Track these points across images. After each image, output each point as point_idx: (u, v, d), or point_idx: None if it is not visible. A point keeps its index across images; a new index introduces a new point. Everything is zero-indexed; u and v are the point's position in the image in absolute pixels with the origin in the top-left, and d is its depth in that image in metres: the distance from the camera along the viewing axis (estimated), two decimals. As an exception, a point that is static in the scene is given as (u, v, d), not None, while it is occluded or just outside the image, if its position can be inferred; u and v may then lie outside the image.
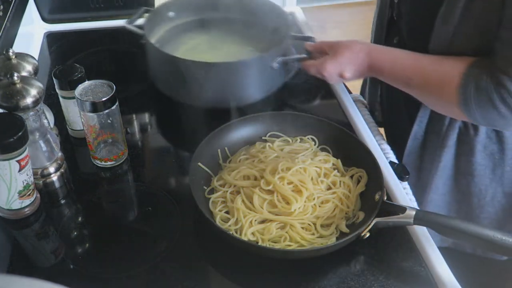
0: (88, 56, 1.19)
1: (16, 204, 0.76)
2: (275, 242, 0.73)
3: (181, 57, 0.96)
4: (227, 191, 0.78)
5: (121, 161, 0.88)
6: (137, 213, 0.83)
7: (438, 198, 0.94)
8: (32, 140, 0.76)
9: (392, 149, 0.95)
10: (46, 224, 0.79)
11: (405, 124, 0.96)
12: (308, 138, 0.88)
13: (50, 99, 0.97)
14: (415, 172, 0.95)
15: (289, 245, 0.72)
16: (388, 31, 1.01)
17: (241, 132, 0.88)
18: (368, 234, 0.72)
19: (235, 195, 0.77)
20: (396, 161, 0.91)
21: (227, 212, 0.76)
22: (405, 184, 0.87)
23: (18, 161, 0.71)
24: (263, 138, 0.88)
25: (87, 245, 0.76)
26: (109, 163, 0.87)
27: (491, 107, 0.74)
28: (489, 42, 0.75)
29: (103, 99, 0.79)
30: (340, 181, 0.80)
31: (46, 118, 0.85)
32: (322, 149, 0.87)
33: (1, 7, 0.98)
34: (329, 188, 0.79)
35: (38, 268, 0.73)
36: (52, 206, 0.81)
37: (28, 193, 0.76)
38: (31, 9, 1.20)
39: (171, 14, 1.12)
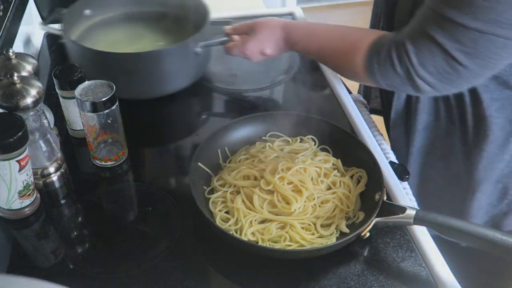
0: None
1: (16, 204, 0.76)
2: (275, 242, 0.73)
3: (103, 50, 0.97)
4: (227, 191, 0.78)
5: (121, 161, 0.88)
6: (137, 213, 0.83)
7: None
8: (32, 140, 0.76)
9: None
10: (46, 224, 0.79)
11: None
12: (308, 138, 0.88)
13: (50, 99, 0.97)
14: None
15: (289, 245, 0.72)
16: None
17: (241, 132, 0.88)
18: (368, 234, 0.72)
19: (235, 195, 0.77)
20: (396, 161, 0.91)
21: (227, 212, 0.76)
22: (405, 184, 0.87)
23: (18, 161, 0.71)
24: (263, 138, 0.88)
25: (87, 245, 0.76)
26: (109, 163, 0.87)
27: (389, 65, 0.76)
28: None
29: (103, 99, 0.79)
30: (340, 181, 0.80)
31: (46, 118, 0.85)
32: (322, 149, 0.87)
33: (1, 7, 0.98)
34: (329, 188, 0.79)
35: (38, 268, 0.73)
36: (52, 206, 0.81)
37: (28, 193, 0.76)
38: (31, 9, 1.20)
39: (87, 12, 1.12)
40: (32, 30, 1.24)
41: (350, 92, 1.06)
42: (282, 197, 0.76)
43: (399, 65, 0.75)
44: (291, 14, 1.33)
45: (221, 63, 1.15)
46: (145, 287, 0.70)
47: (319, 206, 0.76)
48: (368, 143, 0.90)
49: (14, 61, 0.83)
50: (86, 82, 0.83)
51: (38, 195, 0.80)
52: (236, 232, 0.73)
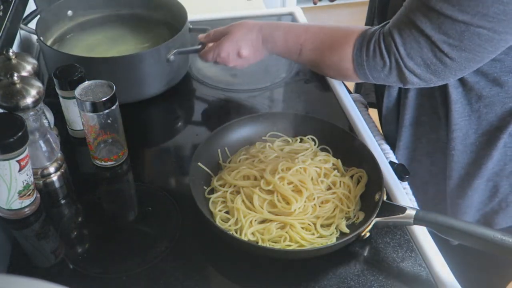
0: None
1: (16, 204, 0.76)
2: (275, 242, 0.73)
3: (75, 54, 0.97)
4: (227, 191, 0.78)
5: (121, 161, 0.88)
6: (137, 213, 0.83)
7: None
8: (32, 140, 0.76)
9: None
10: (46, 224, 0.79)
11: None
12: (308, 138, 0.88)
13: (50, 99, 0.97)
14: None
15: (289, 245, 0.72)
16: None
17: (241, 132, 0.88)
18: (368, 234, 0.72)
19: (235, 195, 0.77)
20: (396, 161, 0.91)
21: (227, 212, 0.76)
22: (405, 184, 0.87)
23: (18, 161, 0.71)
24: (263, 138, 0.88)
25: (87, 245, 0.76)
26: (109, 163, 0.87)
27: (379, 56, 0.76)
28: None
29: (103, 99, 0.79)
30: (340, 181, 0.80)
31: (46, 118, 0.85)
32: (322, 149, 0.87)
33: (1, 7, 0.98)
34: (329, 188, 0.79)
35: (38, 268, 0.73)
36: (52, 206, 0.82)
37: (28, 193, 0.76)
38: (31, 9, 1.19)
39: (69, 12, 1.11)
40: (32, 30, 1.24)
41: (350, 92, 1.06)
42: (282, 197, 0.76)
43: (388, 56, 0.76)
44: (291, 14, 1.33)
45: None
46: (145, 287, 0.70)
47: (319, 206, 0.76)
48: (368, 143, 0.90)
49: (14, 61, 0.83)
50: (86, 82, 0.83)
51: (38, 195, 0.80)
52: (236, 232, 0.73)
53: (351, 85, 1.11)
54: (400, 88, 0.92)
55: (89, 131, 0.83)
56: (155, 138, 0.97)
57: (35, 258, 0.76)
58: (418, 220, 0.70)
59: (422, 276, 0.71)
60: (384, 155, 0.90)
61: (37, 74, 0.85)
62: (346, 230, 0.74)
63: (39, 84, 0.76)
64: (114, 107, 0.81)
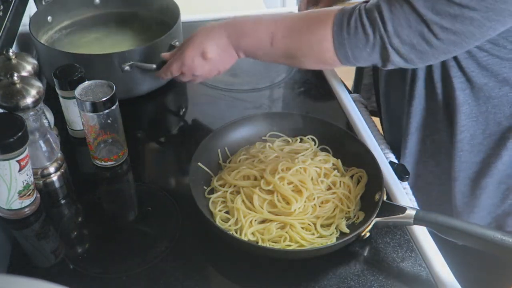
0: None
1: (16, 204, 0.76)
2: (275, 242, 0.73)
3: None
4: (227, 191, 0.78)
5: (121, 161, 0.88)
6: (137, 213, 0.83)
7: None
8: (32, 140, 0.76)
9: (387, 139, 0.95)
10: (46, 224, 0.79)
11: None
12: (308, 138, 0.88)
13: (50, 99, 0.97)
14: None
15: (289, 245, 0.72)
16: None
17: (241, 132, 0.88)
18: (368, 234, 0.72)
19: (235, 195, 0.77)
20: (396, 161, 0.91)
21: (227, 212, 0.76)
22: (405, 184, 0.87)
23: (18, 161, 0.71)
24: (263, 138, 0.88)
25: (87, 245, 0.76)
26: (109, 163, 0.87)
27: (361, 32, 0.73)
28: None
29: (103, 99, 0.79)
30: (340, 181, 0.80)
31: (46, 118, 0.85)
32: (322, 149, 0.87)
33: (1, 7, 0.98)
34: (329, 188, 0.79)
35: (38, 268, 0.73)
36: (52, 206, 0.82)
37: (28, 193, 0.76)
38: (31, 9, 1.20)
39: (49, 18, 1.11)
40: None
41: (350, 92, 1.06)
42: (282, 197, 0.76)
43: (372, 31, 0.72)
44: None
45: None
46: (145, 287, 0.70)
47: (319, 206, 0.76)
48: (368, 143, 0.90)
49: (14, 61, 0.83)
50: (86, 82, 0.83)
51: (38, 195, 0.80)
52: (236, 232, 0.73)
53: (350, 85, 1.11)
54: (403, 97, 0.91)
55: (89, 131, 0.83)
56: (155, 138, 0.97)
57: (35, 258, 0.76)
58: (418, 220, 0.70)
59: (422, 276, 0.71)
60: (384, 155, 0.90)
61: (37, 74, 0.85)
62: (346, 230, 0.74)
63: (39, 84, 0.76)
64: (114, 107, 0.81)
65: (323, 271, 0.71)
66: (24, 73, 0.82)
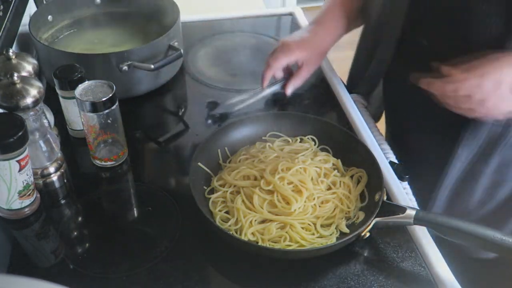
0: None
1: (16, 204, 0.76)
2: (275, 242, 0.73)
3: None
4: (227, 191, 0.78)
5: (121, 161, 0.88)
6: (137, 213, 0.83)
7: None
8: (32, 140, 0.76)
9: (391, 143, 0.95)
10: (46, 224, 0.79)
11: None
12: (308, 138, 0.88)
13: (50, 99, 0.97)
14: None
15: (289, 245, 0.72)
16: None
17: (241, 132, 0.88)
18: (368, 234, 0.72)
19: (235, 195, 0.77)
20: (396, 161, 0.91)
21: (227, 212, 0.76)
22: (405, 184, 0.87)
23: (18, 161, 0.71)
24: (263, 138, 0.88)
25: (87, 245, 0.76)
26: (109, 163, 0.87)
27: None
28: None
29: (103, 99, 0.79)
30: (340, 181, 0.80)
31: (46, 118, 0.85)
32: (322, 149, 0.87)
33: (1, 7, 0.98)
34: (329, 188, 0.79)
35: (38, 268, 0.73)
36: (52, 206, 0.81)
37: (28, 193, 0.76)
38: (31, 9, 1.20)
39: (49, 18, 1.11)
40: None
41: (350, 92, 1.06)
42: (282, 197, 0.76)
43: None
44: (291, 14, 1.33)
45: (220, 63, 1.15)
46: (145, 287, 0.70)
47: (319, 206, 0.76)
48: (368, 143, 0.90)
49: (14, 61, 0.83)
50: (86, 82, 0.83)
51: (38, 195, 0.80)
52: (236, 232, 0.73)
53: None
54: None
55: (89, 131, 0.83)
56: (155, 138, 0.97)
57: (35, 258, 0.75)
58: (418, 220, 0.70)
59: (422, 276, 0.71)
60: (384, 155, 0.90)
61: (37, 74, 0.85)
62: (346, 230, 0.74)
63: (39, 84, 0.76)
64: (114, 107, 0.81)
65: (323, 271, 0.71)
66: (24, 73, 0.82)
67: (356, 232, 0.70)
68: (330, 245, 0.70)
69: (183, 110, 1.05)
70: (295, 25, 1.29)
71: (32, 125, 0.76)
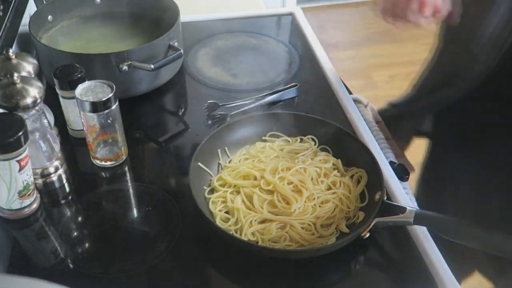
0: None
1: (16, 204, 0.76)
2: (275, 242, 0.73)
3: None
4: (227, 191, 0.78)
5: (121, 161, 0.88)
6: (137, 213, 0.83)
7: None
8: (32, 140, 0.76)
9: None
10: (46, 224, 0.79)
11: None
12: (308, 138, 0.88)
13: (50, 99, 0.97)
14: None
15: (289, 245, 0.72)
16: None
17: (241, 132, 0.88)
18: (368, 234, 0.72)
19: (235, 195, 0.77)
20: (396, 161, 0.91)
21: (227, 212, 0.77)
22: (405, 184, 0.87)
23: (18, 161, 0.71)
24: (263, 138, 0.88)
25: (87, 245, 0.76)
26: (109, 163, 0.87)
27: None
28: None
29: (103, 99, 0.79)
30: (340, 181, 0.80)
31: (46, 118, 0.85)
32: (322, 149, 0.87)
33: (1, 7, 0.98)
34: (329, 188, 0.79)
35: (38, 268, 0.73)
36: (52, 206, 0.81)
37: (28, 193, 0.76)
38: (31, 9, 1.20)
39: (49, 17, 1.11)
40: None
41: (350, 92, 1.06)
42: (282, 197, 0.76)
43: None
44: (291, 14, 1.33)
45: (220, 63, 1.15)
46: (145, 287, 0.70)
47: (319, 206, 0.76)
48: (368, 143, 0.90)
49: (14, 61, 0.83)
50: (86, 82, 0.83)
51: (38, 195, 0.80)
52: (236, 232, 0.73)
53: (351, 85, 1.11)
54: None
55: (89, 131, 0.83)
56: (155, 138, 0.97)
57: (35, 258, 0.75)
58: (418, 220, 0.70)
59: (422, 276, 0.71)
60: (384, 155, 0.90)
61: (37, 74, 0.85)
62: (346, 230, 0.74)
63: (39, 84, 0.76)
64: (114, 107, 0.81)
65: (323, 271, 0.71)
66: (24, 73, 0.82)
67: (356, 232, 0.70)
68: (330, 245, 0.70)
69: (183, 110, 1.05)
70: (295, 25, 1.29)
71: (32, 125, 0.76)
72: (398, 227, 0.77)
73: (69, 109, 0.89)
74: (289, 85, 1.04)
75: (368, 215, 0.74)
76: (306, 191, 0.76)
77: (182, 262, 0.72)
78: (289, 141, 0.88)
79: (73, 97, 0.82)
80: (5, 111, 0.74)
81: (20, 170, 0.72)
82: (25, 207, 0.77)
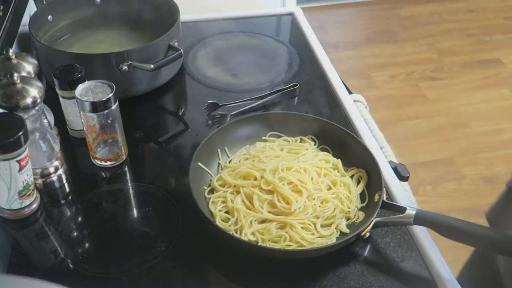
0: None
1: (16, 204, 0.76)
2: (275, 242, 0.73)
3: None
4: (227, 191, 0.78)
5: (121, 161, 0.88)
6: (137, 213, 0.83)
7: None
8: (32, 140, 0.76)
9: None
10: (46, 224, 0.79)
11: None
12: (308, 138, 0.88)
13: (50, 99, 0.97)
14: None
15: (289, 245, 0.72)
16: None
17: (241, 132, 0.88)
18: (368, 234, 0.72)
19: (235, 195, 0.77)
20: (396, 161, 0.91)
21: (227, 212, 0.77)
22: (405, 184, 0.87)
23: (18, 161, 0.71)
24: (263, 138, 0.88)
25: (87, 245, 0.76)
26: (109, 163, 0.87)
27: None
28: None
29: (103, 99, 0.79)
30: (340, 181, 0.80)
31: (46, 118, 0.85)
32: (322, 149, 0.87)
33: (1, 7, 0.98)
34: (329, 188, 0.79)
35: (38, 268, 0.73)
36: (52, 206, 0.81)
37: (28, 193, 0.76)
38: (31, 9, 1.20)
39: (49, 18, 1.11)
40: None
41: (350, 92, 1.06)
42: (282, 197, 0.76)
43: None
44: (291, 14, 1.33)
45: (220, 63, 1.15)
46: (145, 287, 0.70)
47: (319, 206, 0.76)
48: (368, 143, 0.90)
49: (14, 61, 0.83)
50: (86, 82, 0.83)
51: (38, 195, 0.80)
52: (236, 232, 0.73)
53: (351, 85, 1.11)
54: None
55: (89, 131, 0.83)
56: (154, 138, 0.97)
57: (35, 258, 0.75)
58: (418, 220, 0.70)
59: (422, 276, 0.71)
60: (384, 155, 0.90)
61: (37, 74, 0.85)
62: (346, 230, 0.74)
63: (39, 84, 0.76)
64: (114, 107, 0.81)
65: (323, 271, 0.71)
66: (24, 73, 0.82)
67: (356, 232, 0.70)
68: (330, 245, 0.70)
69: (183, 110, 1.05)
70: (295, 25, 1.29)
71: (32, 125, 0.76)
72: (398, 227, 0.77)
73: (69, 109, 0.89)
74: (289, 85, 1.04)
75: (368, 215, 0.74)
76: (306, 191, 0.76)
77: (182, 262, 0.72)
78: (289, 141, 0.88)
79: (73, 97, 0.82)
80: (5, 111, 0.74)
81: (20, 170, 0.72)
82: (25, 207, 0.77)
